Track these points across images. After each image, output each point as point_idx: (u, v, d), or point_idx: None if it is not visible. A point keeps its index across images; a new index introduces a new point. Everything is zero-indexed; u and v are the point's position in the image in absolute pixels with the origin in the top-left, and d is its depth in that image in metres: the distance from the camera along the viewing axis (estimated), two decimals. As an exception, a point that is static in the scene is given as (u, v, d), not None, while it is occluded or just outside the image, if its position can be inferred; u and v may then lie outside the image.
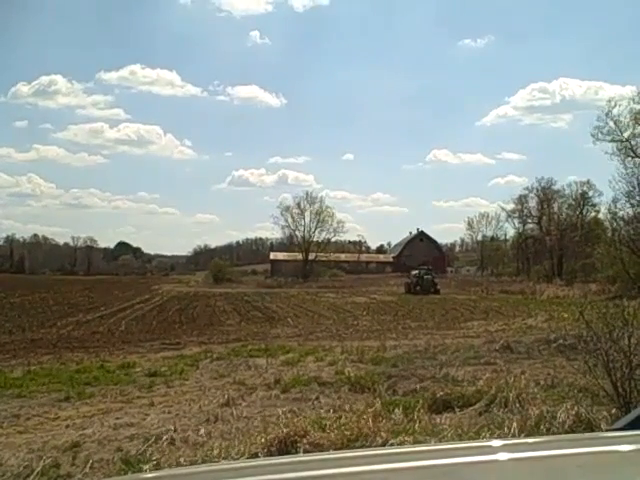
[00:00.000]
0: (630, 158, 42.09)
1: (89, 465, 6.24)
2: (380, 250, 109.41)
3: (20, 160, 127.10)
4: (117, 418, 8.64)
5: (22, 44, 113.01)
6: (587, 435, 3.54)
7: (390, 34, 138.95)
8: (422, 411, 7.96)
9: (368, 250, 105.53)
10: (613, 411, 6.93)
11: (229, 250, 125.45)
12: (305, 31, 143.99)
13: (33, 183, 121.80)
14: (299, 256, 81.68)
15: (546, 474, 1.32)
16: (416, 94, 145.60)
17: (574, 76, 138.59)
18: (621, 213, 44.29)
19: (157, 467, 5.85)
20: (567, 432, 6.16)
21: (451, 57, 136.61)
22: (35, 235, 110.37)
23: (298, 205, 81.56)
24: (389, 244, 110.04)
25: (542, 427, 6.55)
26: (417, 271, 49.96)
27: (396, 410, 7.70)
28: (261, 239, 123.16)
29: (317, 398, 9.49)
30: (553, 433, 6.18)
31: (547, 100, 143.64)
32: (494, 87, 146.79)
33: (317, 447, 6.02)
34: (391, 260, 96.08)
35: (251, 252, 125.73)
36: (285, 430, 6.40)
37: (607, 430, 3.63)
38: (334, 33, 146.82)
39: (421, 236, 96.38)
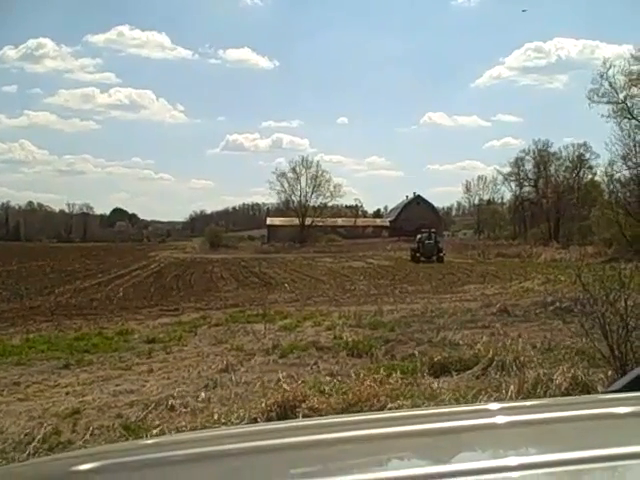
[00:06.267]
0: (626, 120, 41.92)
1: (90, 432, 6.29)
2: (377, 214, 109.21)
3: (11, 126, 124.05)
4: (116, 385, 8.68)
5: (7, 6, 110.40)
6: (584, 397, 3.56)
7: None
8: (420, 375, 8.05)
9: (365, 214, 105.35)
10: (609, 373, 6.99)
11: (225, 216, 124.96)
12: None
13: (25, 149, 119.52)
14: (295, 221, 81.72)
15: (543, 436, 1.32)
16: (409, 55, 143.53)
17: (570, 35, 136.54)
18: (618, 175, 44.39)
19: (157, 433, 5.90)
20: (564, 395, 6.22)
21: (444, 17, 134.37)
22: (30, 202, 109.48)
23: (294, 170, 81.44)
24: (385, 208, 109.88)
25: (539, 390, 6.62)
26: (420, 235, 43.74)
27: (394, 374, 7.76)
28: (257, 204, 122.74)
29: (315, 363, 9.54)
30: (550, 396, 6.23)
31: (542, 60, 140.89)
32: (488, 47, 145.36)
33: (316, 412, 6.07)
34: (388, 224, 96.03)
35: (247, 217, 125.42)
36: (284, 395, 6.45)
37: (603, 392, 3.64)
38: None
39: (417, 200, 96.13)
